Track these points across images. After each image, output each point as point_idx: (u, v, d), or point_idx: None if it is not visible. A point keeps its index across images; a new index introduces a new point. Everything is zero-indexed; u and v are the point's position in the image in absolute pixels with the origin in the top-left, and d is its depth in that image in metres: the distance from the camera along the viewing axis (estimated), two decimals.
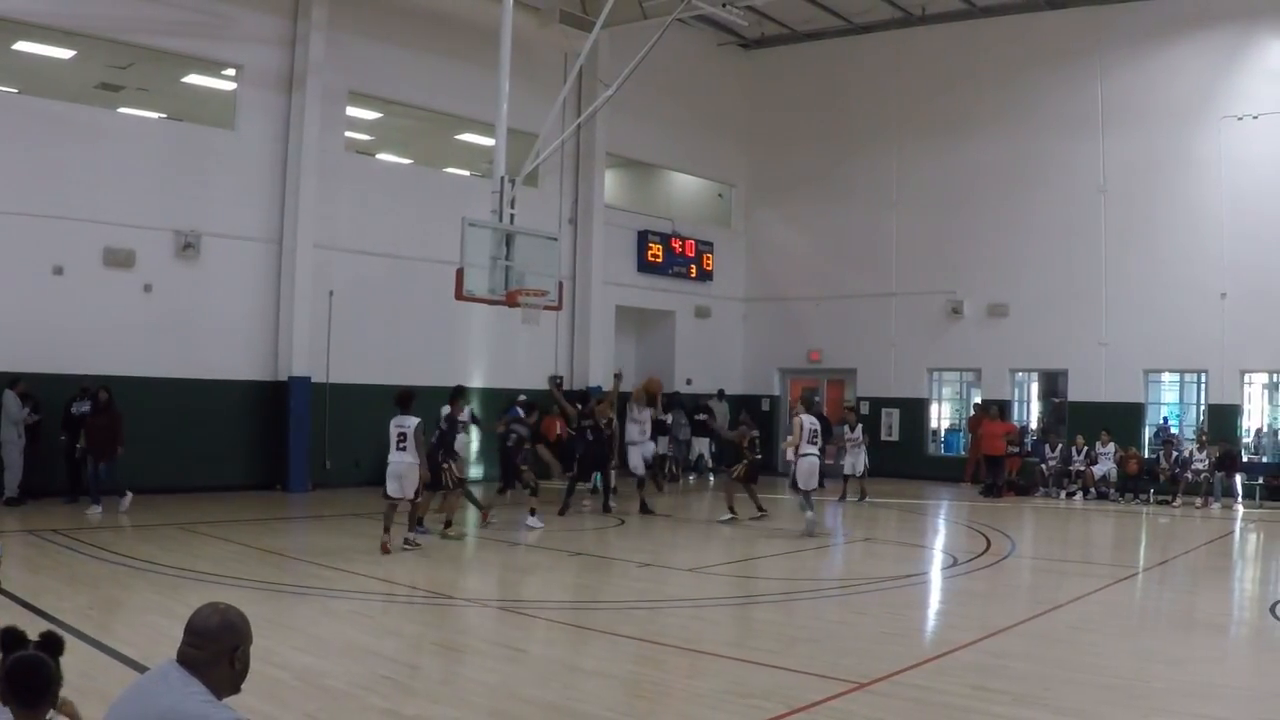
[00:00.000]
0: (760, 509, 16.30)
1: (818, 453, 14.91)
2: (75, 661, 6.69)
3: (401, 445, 12.66)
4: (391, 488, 12.73)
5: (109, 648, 7.31)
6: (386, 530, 12.54)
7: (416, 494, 12.96)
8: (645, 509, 16.86)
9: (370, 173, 21.41)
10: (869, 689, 6.85)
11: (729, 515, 16.05)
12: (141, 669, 6.30)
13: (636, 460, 18.10)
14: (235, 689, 3.29)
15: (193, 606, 3.41)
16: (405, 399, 13.02)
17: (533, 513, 14.86)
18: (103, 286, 17.04)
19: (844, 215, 26.19)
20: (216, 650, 3.21)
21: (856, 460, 19.99)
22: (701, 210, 28.50)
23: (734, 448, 17.11)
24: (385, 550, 12.28)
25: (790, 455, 15.13)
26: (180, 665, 3.19)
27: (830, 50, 26.47)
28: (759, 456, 16.74)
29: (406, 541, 12.78)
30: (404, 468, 12.67)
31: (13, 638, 3.43)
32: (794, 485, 14.84)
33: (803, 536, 14.29)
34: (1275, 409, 22.20)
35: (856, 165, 26.04)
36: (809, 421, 14.91)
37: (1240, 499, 20.05)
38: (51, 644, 3.46)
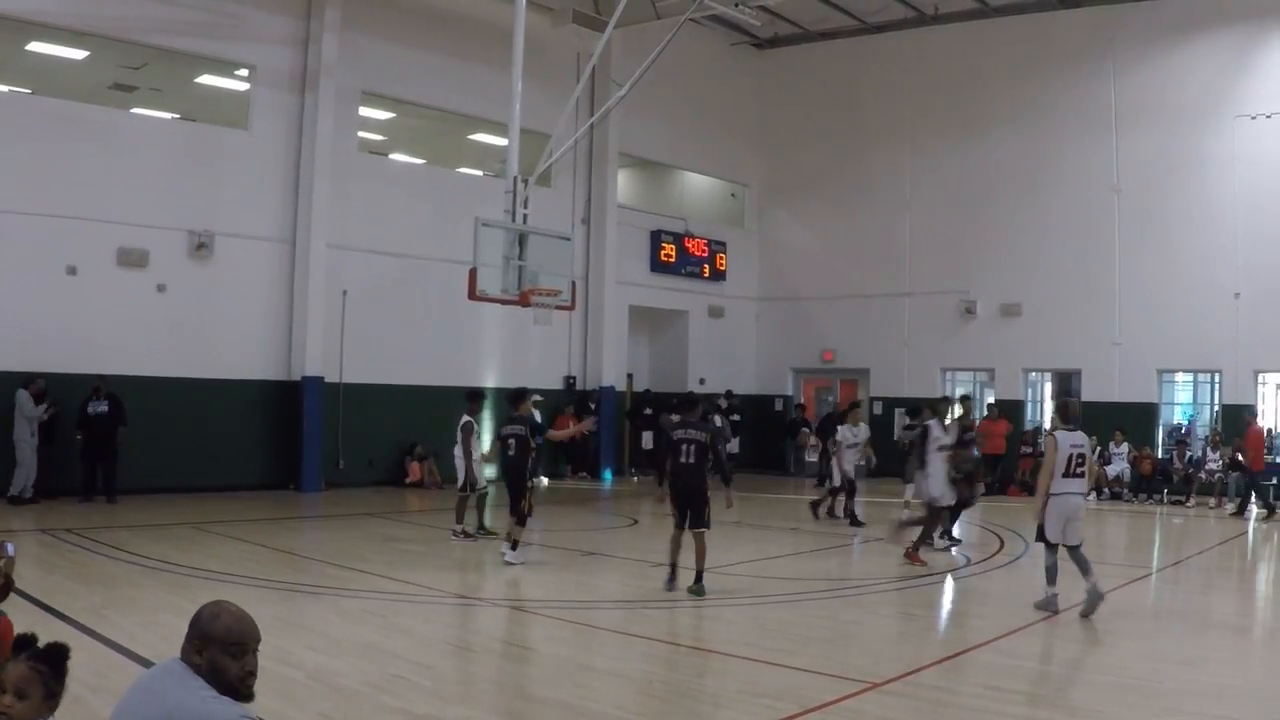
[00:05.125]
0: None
1: (1084, 490, 9.74)
2: (88, 660, 6.75)
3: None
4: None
5: (122, 646, 7.35)
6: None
7: (461, 488, 13.71)
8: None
9: (383, 173, 21.43)
10: (882, 689, 6.84)
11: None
12: None
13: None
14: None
15: None
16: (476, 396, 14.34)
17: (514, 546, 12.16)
18: (116, 286, 17.10)
19: (857, 215, 26.14)
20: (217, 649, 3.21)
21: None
22: (715, 210, 28.48)
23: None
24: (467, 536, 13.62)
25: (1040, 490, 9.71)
26: (184, 663, 3.19)
27: (843, 50, 26.41)
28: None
29: (457, 533, 13.58)
30: (457, 462, 13.86)
31: None
32: (1042, 536, 9.64)
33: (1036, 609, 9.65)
34: None
35: (870, 165, 25.98)
36: (1070, 440, 9.55)
37: (1254, 499, 19.90)
38: None
